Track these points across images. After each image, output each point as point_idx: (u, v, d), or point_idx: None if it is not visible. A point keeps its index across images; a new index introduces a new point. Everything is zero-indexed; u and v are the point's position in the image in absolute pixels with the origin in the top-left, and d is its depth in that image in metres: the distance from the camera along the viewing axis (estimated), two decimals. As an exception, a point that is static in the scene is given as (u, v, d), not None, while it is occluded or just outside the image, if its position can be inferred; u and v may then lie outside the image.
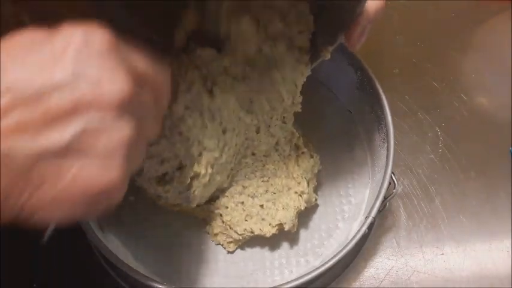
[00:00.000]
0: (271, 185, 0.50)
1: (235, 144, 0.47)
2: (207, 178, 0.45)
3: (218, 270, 0.48)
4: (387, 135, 0.48)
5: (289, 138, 0.51)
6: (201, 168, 0.44)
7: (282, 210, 0.49)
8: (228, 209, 0.49)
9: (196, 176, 0.44)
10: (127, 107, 0.23)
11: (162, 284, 0.40)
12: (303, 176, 0.50)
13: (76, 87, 0.22)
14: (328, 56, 0.45)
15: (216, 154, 0.45)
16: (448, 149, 0.58)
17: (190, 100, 0.44)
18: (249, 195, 0.50)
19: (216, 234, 0.50)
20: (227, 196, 0.49)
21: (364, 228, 0.43)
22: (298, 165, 0.50)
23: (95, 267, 0.48)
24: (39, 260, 0.48)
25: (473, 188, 0.55)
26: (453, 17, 0.71)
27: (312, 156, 0.51)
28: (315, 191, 0.52)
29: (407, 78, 0.64)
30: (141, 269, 0.43)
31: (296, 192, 0.49)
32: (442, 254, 0.51)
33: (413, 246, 0.51)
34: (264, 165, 0.50)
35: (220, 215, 0.49)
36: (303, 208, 0.49)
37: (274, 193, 0.50)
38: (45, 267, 0.48)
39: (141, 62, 0.25)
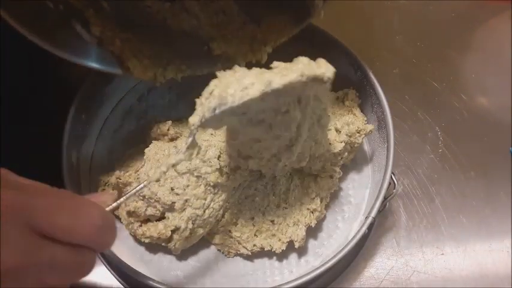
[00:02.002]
0: (283, 199, 0.49)
1: (222, 200, 0.46)
2: (188, 232, 0.45)
3: (218, 270, 0.48)
4: (387, 135, 0.48)
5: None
6: (182, 222, 0.44)
7: (293, 227, 0.47)
8: (238, 226, 0.48)
9: (177, 229, 0.45)
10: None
11: (162, 284, 0.40)
12: (318, 194, 0.49)
13: None
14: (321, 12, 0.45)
15: (199, 212, 0.45)
16: (448, 149, 0.58)
17: (195, 169, 0.45)
18: (259, 210, 0.48)
19: (217, 244, 0.49)
20: (236, 213, 0.48)
21: (364, 228, 0.43)
22: (315, 182, 0.49)
23: (94, 267, 0.48)
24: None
25: (473, 188, 0.55)
26: (453, 17, 0.71)
27: (331, 177, 0.50)
28: (326, 207, 0.51)
29: (407, 78, 0.64)
30: (141, 269, 0.43)
31: (308, 209, 0.48)
32: (442, 254, 0.51)
33: (413, 246, 0.51)
34: (278, 180, 0.49)
35: (229, 231, 0.48)
36: (313, 225, 0.48)
37: (285, 208, 0.48)
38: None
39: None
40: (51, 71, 0.59)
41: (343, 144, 0.49)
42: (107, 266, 0.48)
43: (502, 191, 0.55)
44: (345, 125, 0.49)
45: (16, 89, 0.57)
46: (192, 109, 0.55)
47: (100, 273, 0.48)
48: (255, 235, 0.48)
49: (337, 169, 0.50)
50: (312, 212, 0.48)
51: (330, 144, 0.48)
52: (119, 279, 0.47)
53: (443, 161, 0.57)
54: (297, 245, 0.47)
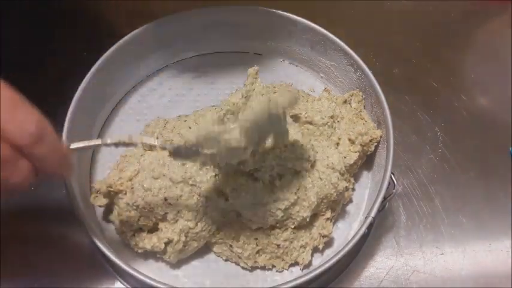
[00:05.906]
0: (292, 220, 0.46)
1: (215, 215, 0.46)
2: (181, 245, 0.44)
3: (218, 270, 0.48)
4: (387, 135, 0.48)
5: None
6: (175, 235, 0.44)
7: (299, 249, 0.46)
8: (240, 242, 0.46)
9: (170, 241, 0.44)
10: None
11: (162, 283, 0.40)
12: (335, 210, 0.48)
13: None
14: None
15: (191, 224, 0.44)
16: (447, 149, 0.58)
17: (190, 177, 0.45)
18: (264, 232, 0.46)
19: (216, 252, 0.48)
20: (237, 229, 0.46)
21: (364, 228, 0.43)
22: (332, 201, 0.48)
23: (95, 266, 0.48)
24: (40, 259, 0.48)
25: (473, 188, 0.55)
26: (453, 17, 0.71)
27: (347, 190, 0.49)
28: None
29: (407, 78, 0.64)
30: (142, 269, 0.43)
31: (320, 234, 0.47)
32: (442, 254, 0.51)
33: (413, 246, 0.51)
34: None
35: (230, 246, 0.47)
36: (320, 248, 0.47)
37: (294, 232, 0.46)
38: (45, 266, 0.48)
39: None
40: (51, 70, 0.59)
41: (358, 154, 0.49)
42: (107, 265, 0.48)
43: (502, 191, 0.55)
44: (359, 136, 0.49)
45: (16, 89, 0.57)
46: (191, 109, 0.55)
47: (100, 273, 0.48)
48: (257, 253, 0.47)
49: (352, 179, 0.50)
50: (323, 237, 0.47)
51: (344, 157, 0.48)
52: (120, 279, 0.47)
53: (443, 161, 0.57)
54: (301, 267, 0.47)
